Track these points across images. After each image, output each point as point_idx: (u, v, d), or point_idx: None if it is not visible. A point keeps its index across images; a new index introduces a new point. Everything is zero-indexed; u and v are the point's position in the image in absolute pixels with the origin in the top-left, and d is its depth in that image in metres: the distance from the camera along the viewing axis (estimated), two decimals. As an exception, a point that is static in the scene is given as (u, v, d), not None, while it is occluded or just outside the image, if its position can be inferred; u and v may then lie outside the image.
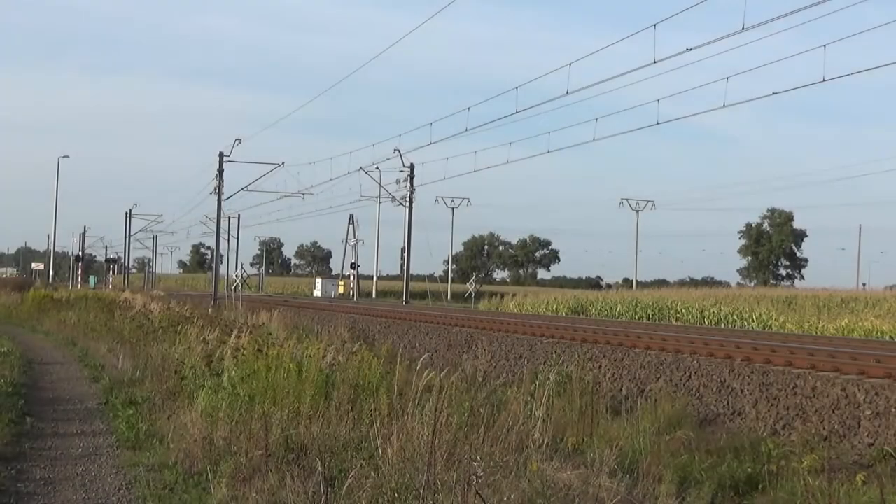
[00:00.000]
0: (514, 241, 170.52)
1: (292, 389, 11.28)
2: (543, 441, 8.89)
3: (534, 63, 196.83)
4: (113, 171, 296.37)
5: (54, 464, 10.36)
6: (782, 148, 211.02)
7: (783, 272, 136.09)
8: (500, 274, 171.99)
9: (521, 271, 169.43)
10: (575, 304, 59.68)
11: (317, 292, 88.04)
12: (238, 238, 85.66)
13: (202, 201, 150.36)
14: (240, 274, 57.16)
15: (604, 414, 12.89)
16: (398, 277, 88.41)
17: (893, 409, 13.09)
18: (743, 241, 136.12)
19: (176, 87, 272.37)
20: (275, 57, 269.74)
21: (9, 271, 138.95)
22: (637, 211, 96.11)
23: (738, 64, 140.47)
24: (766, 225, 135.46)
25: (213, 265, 66.55)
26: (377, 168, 58.02)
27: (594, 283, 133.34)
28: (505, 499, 6.98)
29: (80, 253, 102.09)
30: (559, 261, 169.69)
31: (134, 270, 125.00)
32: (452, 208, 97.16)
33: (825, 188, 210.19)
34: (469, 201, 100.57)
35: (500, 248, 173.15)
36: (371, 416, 9.58)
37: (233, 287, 53.62)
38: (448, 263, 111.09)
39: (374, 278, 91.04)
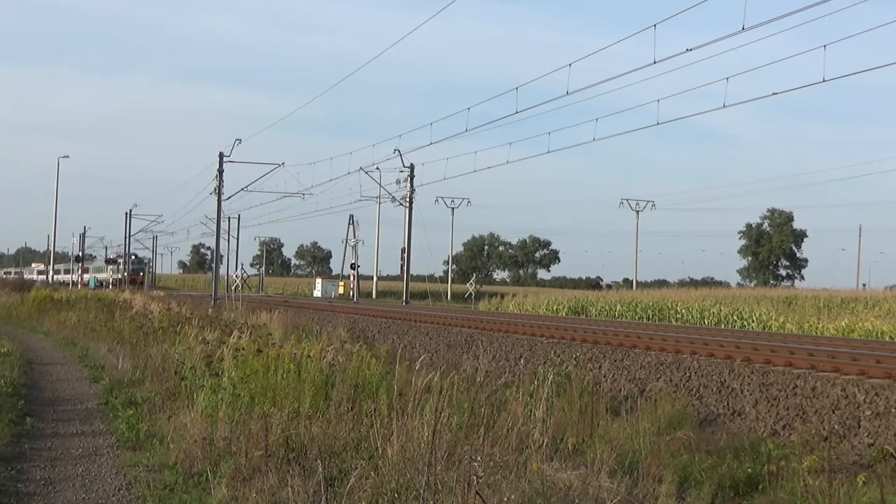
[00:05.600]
0: (514, 242, 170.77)
1: (292, 390, 11.29)
2: (543, 441, 8.89)
3: (534, 63, 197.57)
4: (113, 171, 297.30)
5: (54, 464, 10.36)
6: (782, 148, 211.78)
7: (783, 272, 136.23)
8: (500, 274, 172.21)
9: (521, 271, 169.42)
10: (575, 304, 59.68)
11: (317, 293, 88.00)
12: (238, 238, 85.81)
13: (202, 201, 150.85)
14: (240, 274, 57.25)
15: (604, 414, 12.89)
16: (398, 278, 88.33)
17: (893, 410, 13.09)
18: (743, 242, 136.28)
19: (176, 87, 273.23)
20: (275, 57, 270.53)
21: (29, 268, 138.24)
22: (637, 211, 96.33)
23: (738, 64, 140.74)
24: (766, 225, 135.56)
25: (213, 265, 66.57)
26: (377, 168, 58.17)
27: (594, 284, 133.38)
28: (505, 499, 6.97)
29: (81, 253, 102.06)
30: (559, 261, 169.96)
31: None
32: (452, 208, 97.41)
33: (825, 188, 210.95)
34: (469, 201, 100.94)
35: (500, 248, 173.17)
36: (371, 416, 9.58)
37: (233, 287, 53.69)
38: (448, 264, 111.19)
39: (374, 278, 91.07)
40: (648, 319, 50.52)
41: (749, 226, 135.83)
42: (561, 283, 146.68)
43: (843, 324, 37.48)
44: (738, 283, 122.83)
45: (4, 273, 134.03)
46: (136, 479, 9.47)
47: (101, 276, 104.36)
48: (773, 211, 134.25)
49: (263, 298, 64.33)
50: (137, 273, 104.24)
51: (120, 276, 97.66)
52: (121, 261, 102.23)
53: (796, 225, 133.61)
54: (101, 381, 17.20)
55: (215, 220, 59.56)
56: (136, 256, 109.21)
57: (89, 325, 27.91)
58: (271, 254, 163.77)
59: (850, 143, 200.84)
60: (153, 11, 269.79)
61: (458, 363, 17.12)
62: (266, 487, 8.33)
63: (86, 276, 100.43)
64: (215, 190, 57.10)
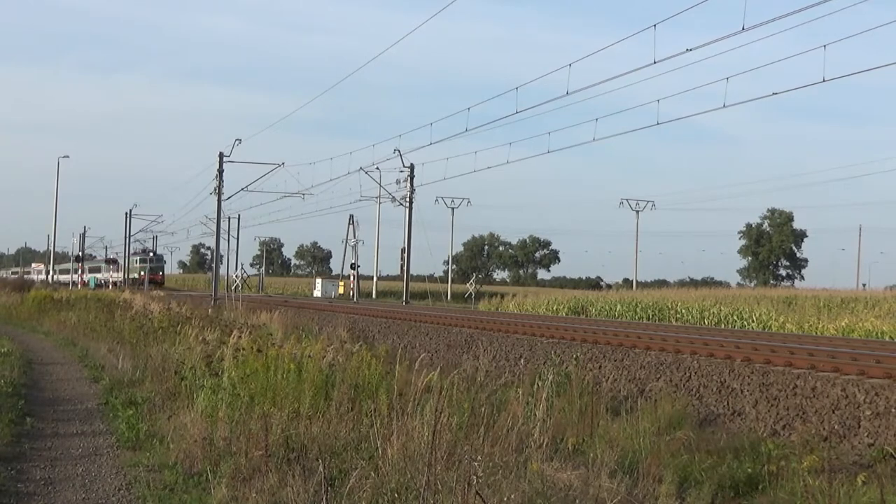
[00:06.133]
0: (514, 242, 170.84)
1: (292, 389, 11.29)
2: (543, 441, 8.88)
3: (534, 63, 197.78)
4: (113, 171, 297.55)
5: (54, 464, 10.36)
6: (782, 148, 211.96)
7: (783, 272, 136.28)
8: (500, 274, 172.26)
9: (521, 271, 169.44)
10: (575, 304, 59.66)
11: (317, 293, 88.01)
12: (238, 238, 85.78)
13: (202, 201, 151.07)
14: (240, 274, 57.22)
15: (604, 414, 12.89)
16: (398, 278, 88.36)
17: (893, 409, 13.09)
18: (743, 242, 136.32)
19: (176, 87, 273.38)
20: (275, 57, 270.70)
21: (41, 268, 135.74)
22: (637, 211, 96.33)
23: (738, 64, 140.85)
24: (766, 225, 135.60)
25: (213, 265, 66.52)
26: (377, 168, 58.18)
27: (594, 284, 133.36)
28: (505, 499, 6.97)
29: (81, 253, 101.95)
30: (559, 261, 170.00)
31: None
32: (452, 208, 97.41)
33: (825, 188, 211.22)
34: (469, 201, 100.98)
35: (500, 248, 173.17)
36: (371, 416, 9.58)
37: (233, 287, 53.68)
38: (448, 263, 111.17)
39: (374, 278, 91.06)
40: (648, 319, 50.51)
41: (749, 226, 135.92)
42: (561, 283, 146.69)
43: (843, 324, 37.47)
44: (738, 283, 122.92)
45: (13, 273, 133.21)
46: (136, 479, 9.47)
47: (114, 276, 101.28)
48: (773, 211, 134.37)
49: (263, 298, 64.32)
50: (157, 272, 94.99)
51: (138, 275, 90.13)
52: (121, 261, 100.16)
53: (796, 225, 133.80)
54: (101, 381, 17.20)
55: (215, 220, 59.61)
56: (154, 253, 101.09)
57: (89, 325, 27.91)
58: (271, 254, 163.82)
59: (850, 143, 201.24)
60: (153, 11, 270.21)
61: (458, 363, 17.11)
62: (266, 487, 8.33)
63: (93, 276, 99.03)
64: (215, 190, 57.10)
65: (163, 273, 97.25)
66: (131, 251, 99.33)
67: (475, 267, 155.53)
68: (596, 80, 27.60)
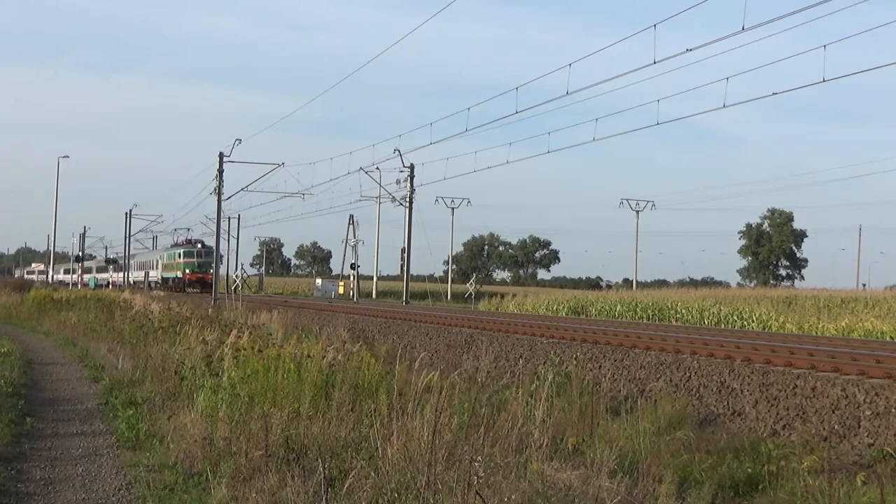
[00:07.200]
0: (514, 242, 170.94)
1: (292, 390, 11.28)
2: (543, 441, 8.88)
3: (534, 63, 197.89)
4: (113, 171, 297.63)
5: (54, 464, 10.36)
6: (782, 148, 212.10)
7: (783, 272, 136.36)
8: (500, 274, 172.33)
9: (521, 271, 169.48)
10: (575, 304, 59.65)
11: (317, 293, 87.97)
12: (238, 238, 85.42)
13: (202, 201, 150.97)
14: (240, 274, 57.23)
15: (604, 414, 12.89)
16: (398, 278, 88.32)
17: (893, 410, 13.08)
18: (743, 242, 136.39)
19: (176, 87, 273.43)
20: (275, 57, 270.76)
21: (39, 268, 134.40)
22: (637, 211, 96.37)
23: (738, 64, 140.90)
24: (766, 225, 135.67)
25: (214, 265, 66.43)
26: (377, 168, 58.16)
27: (594, 284, 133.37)
28: (505, 499, 6.97)
29: (81, 253, 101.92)
30: (559, 261, 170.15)
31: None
32: (452, 208, 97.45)
33: (825, 188, 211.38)
34: (469, 201, 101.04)
35: (500, 248, 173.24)
36: (371, 416, 9.58)
37: (233, 287, 53.68)
38: (448, 263, 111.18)
39: (374, 278, 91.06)
40: (648, 319, 50.48)
41: (749, 226, 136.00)
42: (561, 283, 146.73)
43: (843, 324, 37.46)
44: (738, 283, 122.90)
45: (27, 273, 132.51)
46: (136, 479, 9.47)
47: (135, 275, 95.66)
48: (773, 211, 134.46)
49: (263, 298, 64.27)
50: (207, 270, 70.58)
51: (181, 273, 75.22)
52: (121, 261, 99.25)
53: (796, 225, 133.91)
54: (101, 381, 17.20)
55: (215, 220, 59.53)
56: (202, 244, 78.11)
57: (89, 325, 27.91)
58: (271, 254, 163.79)
59: (850, 143, 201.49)
60: (153, 11, 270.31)
61: (459, 363, 17.10)
62: (266, 487, 8.33)
63: (93, 276, 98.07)
64: (215, 190, 57.07)
65: (212, 271, 71.28)
66: (173, 241, 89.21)
67: (475, 267, 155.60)
68: (596, 80, 27.71)
